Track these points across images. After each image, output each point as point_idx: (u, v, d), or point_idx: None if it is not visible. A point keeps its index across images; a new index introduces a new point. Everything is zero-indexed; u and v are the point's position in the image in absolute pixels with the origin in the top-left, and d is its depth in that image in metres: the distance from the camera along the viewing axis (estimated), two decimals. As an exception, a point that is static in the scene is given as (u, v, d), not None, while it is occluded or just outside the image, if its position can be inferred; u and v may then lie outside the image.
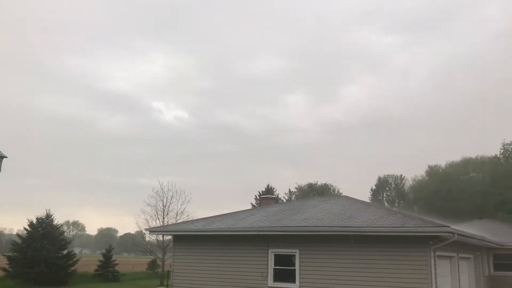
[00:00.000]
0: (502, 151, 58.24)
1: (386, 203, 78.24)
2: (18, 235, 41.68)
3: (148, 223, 36.05)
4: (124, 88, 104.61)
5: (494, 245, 23.86)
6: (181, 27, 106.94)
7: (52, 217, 35.55)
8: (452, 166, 75.81)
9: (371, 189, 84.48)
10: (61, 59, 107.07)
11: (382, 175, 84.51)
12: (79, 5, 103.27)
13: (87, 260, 44.06)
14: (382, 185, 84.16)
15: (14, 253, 33.76)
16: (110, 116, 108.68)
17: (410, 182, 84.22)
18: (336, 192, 71.77)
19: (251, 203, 59.08)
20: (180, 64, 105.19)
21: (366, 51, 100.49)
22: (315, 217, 16.79)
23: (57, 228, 36.78)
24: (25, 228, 35.14)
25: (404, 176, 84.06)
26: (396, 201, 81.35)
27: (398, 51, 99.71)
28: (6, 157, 6.18)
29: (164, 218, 36.79)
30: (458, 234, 13.79)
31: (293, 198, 68.15)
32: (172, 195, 37.54)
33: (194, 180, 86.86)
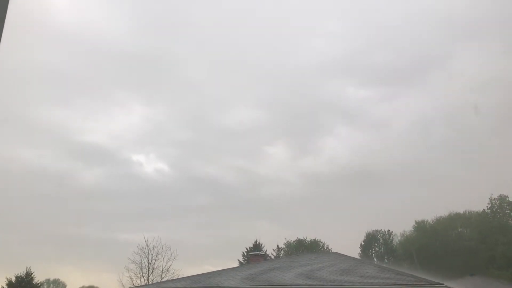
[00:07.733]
0: (489, 206, 58.53)
1: (375, 259, 77.03)
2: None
3: (132, 281, 34.92)
4: (102, 141, 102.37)
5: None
6: (162, 80, 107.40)
7: (32, 275, 34.38)
8: (439, 221, 75.50)
9: (361, 245, 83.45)
10: (38, 111, 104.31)
11: (370, 230, 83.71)
12: (54, 57, 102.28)
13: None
14: (371, 240, 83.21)
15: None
16: (89, 169, 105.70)
17: (399, 238, 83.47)
18: (326, 248, 70.71)
19: (238, 260, 57.82)
20: (159, 116, 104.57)
21: (343, 103, 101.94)
22: (306, 275, 16.39)
23: (37, 287, 35.47)
24: (3, 288, 33.77)
25: (392, 231, 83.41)
26: (386, 257, 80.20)
27: (375, 103, 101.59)
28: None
29: (149, 276, 35.70)
30: (452, 292, 13.51)
31: (281, 255, 66.93)
32: (158, 251, 36.66)
33: (177, 235, 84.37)
